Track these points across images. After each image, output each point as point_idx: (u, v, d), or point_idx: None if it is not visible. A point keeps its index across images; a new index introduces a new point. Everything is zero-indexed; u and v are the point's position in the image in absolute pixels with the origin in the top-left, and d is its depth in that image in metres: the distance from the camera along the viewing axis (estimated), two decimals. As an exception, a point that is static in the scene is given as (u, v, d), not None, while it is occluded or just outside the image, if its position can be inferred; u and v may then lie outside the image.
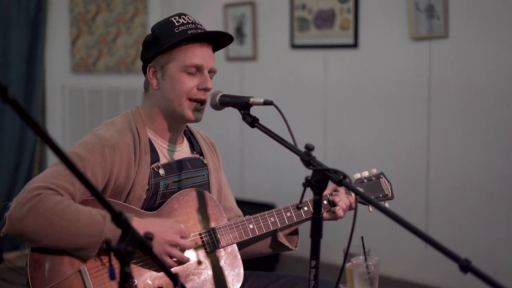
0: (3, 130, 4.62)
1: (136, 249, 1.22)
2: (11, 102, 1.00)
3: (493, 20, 3.83)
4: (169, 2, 5.58)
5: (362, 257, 2.01)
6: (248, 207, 4.22)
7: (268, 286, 2.11)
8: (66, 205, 1.77)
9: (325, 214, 2.09)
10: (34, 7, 4.71)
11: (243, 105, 1.85)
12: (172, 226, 1.87)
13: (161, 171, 1.99)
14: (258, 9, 4.99)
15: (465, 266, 1.28)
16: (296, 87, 4.79)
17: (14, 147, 4.70)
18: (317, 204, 1.52)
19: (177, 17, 2.01)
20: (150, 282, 1.87)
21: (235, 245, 2.02)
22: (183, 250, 1.90)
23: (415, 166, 4.19)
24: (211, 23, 5.03)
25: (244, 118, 1.83)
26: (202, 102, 2.00)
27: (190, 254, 1.94)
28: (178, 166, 2.05)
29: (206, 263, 1.97)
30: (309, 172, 1.54)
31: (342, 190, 2.09)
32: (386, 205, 2.15)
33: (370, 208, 2.12)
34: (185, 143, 2.15)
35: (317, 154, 1.57)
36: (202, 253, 1.97)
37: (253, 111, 1.86)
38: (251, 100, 1.83)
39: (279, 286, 2.09)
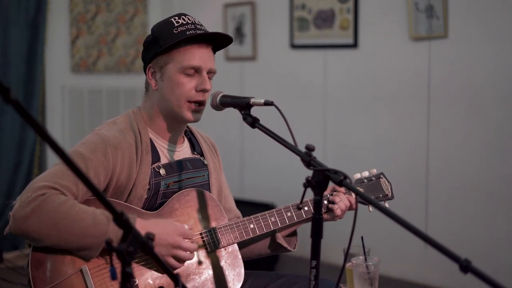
0: (3, 130, 4.62)
1: (137, 249, 1.22)
2: (13, 103, 1.00)
3: (492, 20, 3.83)
4: (169, 2, 5.58)
5: (362, 257, 2.01)
6: (248, 207, 4.22)
7: (268, 286, 2.11)
8: (70, 205, 1.78)
9: (324, 215, 2.09)
10: (34, 7, 4.72)
11: (243, 105, 1.85)
12: (176, 228, 1.88)
13: (162, 171, 2.00)
14: (258, 9, 4.99)
15: (465, 267, 1.28)
16: (296, 87, 4.79)
17: (14, 146, 4.70)
18: (317, 204, 1.52)
19: (177, 18, 2.00)
20: (151, 282, 1.88)
21: (235, 244, 2.03)
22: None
23: (414, 166, 4.19)
24: (211, 23, 5.03)
25: (245, 119, 1.83)
26: (200, 103, 2.00)
27: (191, 254, 1.95)
28: (179, 166, 2.05)
29: (207, 263, 1.97)
30: (308, 172, 1.54)
31: (342, 190, 2.10)
32: (386, 205, 2.15)
33: (370, 208, 2.12)
34: (186, 143, 2.15)
35: (316, 154, 1.57)
36: (202, 253, 1.97)
37: (253, 111, 1.86)
38: (252, 100, 1.83)
39: (279, 285, 2.10)
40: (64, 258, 1.81)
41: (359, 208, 1.63)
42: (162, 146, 2.05)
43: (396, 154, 4.28)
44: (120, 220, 1.20)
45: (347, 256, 1.64)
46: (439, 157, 4.10)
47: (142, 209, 1.96)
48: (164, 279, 1.89)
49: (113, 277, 1.27)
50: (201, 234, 1.99)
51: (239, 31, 5.08)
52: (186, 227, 1.91)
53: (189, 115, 1.99)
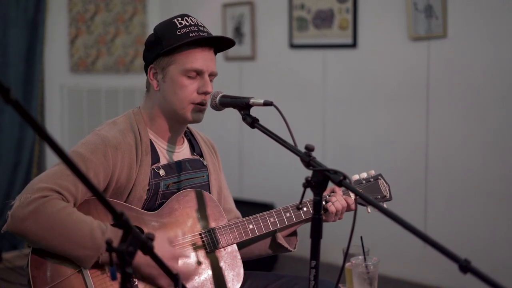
0: (2, 130, 4.62)
1: (137, 250, 1.22)
2: (13, 103, 1.00)
3: (491, 20, 3.83)
4: (168, 2, 5.58)
5: (361, 257, 2.01)
6: (247, 207, 4.23)
7: (268, 286, 2.11)
8: (69, 213, 1.77)
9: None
10: (33, 7, 4.71)
11: (243, 105, 1.85)
12: (172, 252, 1.86)
13: (162, 172, 2.00)
14: (257, 9, 4.99)
15: (465, 267, 1.28)
16: (295, 87, 4.79)
17: (13, 146, 4.70)
18: (317, 204, 1.52)
19: (179, 19, 2.00)
20: (151, 282, 1.88)
21: (235, 245, 2.03)
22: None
23: (413, 166, 4.20)
24: (210, 23, 5.03)
25: (244, 119, 1.83)
26: (202, 104, 2.01)
27: (190, 254, 1.95)
28: (178, 167, 2.05)
29: (206, 263, 1.97)
30: (308, 172, 1.54)
31: (339, 191, 2.10)
32: (385, 206, 2.15)
33: (369, 209, 2.12)
34: (186, 144, 2.15)
35: (315, 154, 1.57)
36: (202, 254, 1.97)
37: (253, 111, 1.86)
38: (251, 100, 1.83)
39: (278, 286, 2.10)
40: (64, 258, 1.81)
41: (359, 208, 1.63)
42: (161, 147, 2.05)
43: (395, 154, 4.28)
44: (120, 220, 1.20)
45: (347, 256, 1.64)
46: (438, 157, 4.10)
47: (142, 209, 1.96)
48: (163, 279, 1.89)
49: (113, 277, 1.27)
50: (200, 234, 1.99)
51: (238, 31, 5.08)
52: (181, 252, 1.90)
53: (192, 116, 1.99)
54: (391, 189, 2.22)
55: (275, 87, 4.90)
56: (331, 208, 2.06)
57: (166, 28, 1.99)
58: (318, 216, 1.53)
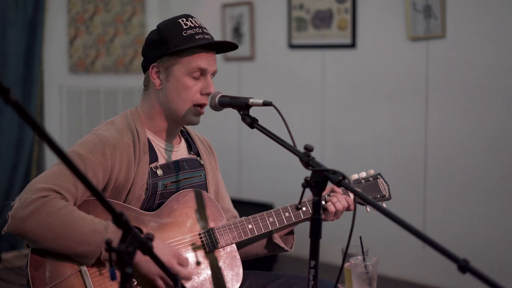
0: (1, 130, 4.62)
1: (136, 250, 1.23)
2: (13, 103, 1.01)
3: (490, 20, 3.84)
4: (167, 2, 5.58)
5: (360, 257, 2.02)
6: (246, 207, 4.23)
7: (267, 286, 2.11)
8: (69, 211, 1.79)
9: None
10: (32, 7, 4.71)
11: (242, 106, 1.85)
12: (172, 251, 1.87)
13: (159, 172, 2.01)
14: (256, 9, 4.99)
15: (464, 266, 1.28)
16: (294, 87, 4.80)
17: (12, 147, 4.70)
18: (316, 204, 1.53)
19: (184, 19, 2.01)
20: (149, 284, 1.88)
21: (234, 245, 2.03)
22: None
23: (412, 165, 4.20)
24: (209, 23, 5.03)
25: (243, 119, 1.84)
26: (202, 106, 2.02)
27: (189, 255, 1.95)
28: (176, 166, 2.06)
29: (205, 263, 1.97)
30: (307, 172, 1.54)
31: (339, 191, 2.10)
32: (384, 205, 2.16)
33: (368, 209, 2.12)
34: (183, 143, 2.16)
35: (314, 154, 1.57)
36: (201, 254, 1.98)
37: (252, 111, 1.86)
38: (250, 101, 1.84)
39: (277, 285, 2.10)
40: (64, 258, 1.82)
41: (358, 208, 1.63)
42: (159, 145, 2.06)
43: (394, 154, 4.29)
44: (120, 220, 1.21)
45: (346, 256, 1.64)
46: (437, 156, 4.10)
47: (141, 209, 1.97)
48: (163, 277, 1.89)
49: (113, 277, 1.27)
50: (199, 234, 1.99)
51: (237, 31, 5.08)
52: (184, 255, 1.91)
53: (192, 118, 2.01)
54: (390, 189, 2.23)
55: (274, 87, 4.90)
56: (331, 208, 2.06)
57: (172, 28, 1.99)
58: (318, 216, 1.53)
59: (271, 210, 2.08)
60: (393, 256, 4.28)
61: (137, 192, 1.95)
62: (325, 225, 1.75)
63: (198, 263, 1.96)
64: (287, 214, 2.07)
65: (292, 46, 4.78)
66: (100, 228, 1.78)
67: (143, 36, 5.28)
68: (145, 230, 1.92)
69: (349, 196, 2.11)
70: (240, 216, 2.24)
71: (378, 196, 2.18)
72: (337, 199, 2.07)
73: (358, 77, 4.46)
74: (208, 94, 2.00)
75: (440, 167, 4.09)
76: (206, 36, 1.99)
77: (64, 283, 1.80)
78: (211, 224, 2.02)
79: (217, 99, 1.94)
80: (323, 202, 2.08)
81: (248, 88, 5.01)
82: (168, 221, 1.97)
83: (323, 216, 2.07)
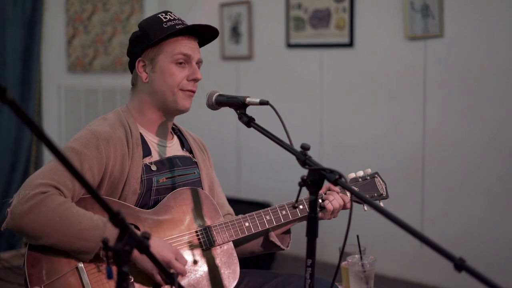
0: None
1: (133, 249, 1.23)
2: (10, 103, 1.01)
3: (488, 20, 3.84)
4: (165, 1, 5.58)
5: (357, 256, 2.02)
6: (244, 206, 4.23)
7: (264, 285, 2.12)
8: (68, 207, 1.80)
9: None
10: (30, 7, 4.71)
11: (239, 105, 1.86)
12: (170, 247, 1.88)
13: (153, 167, 2.03)
14: (254, 8, 5.00)
15: (460, 265, 1.28)
16: (292, 86, 4.80)
17: (10, 146, 4.70)
18: (312, 203, 1.53)
19: (164, 14, 2.08)
20: (147, 281, 1.88)
21: (231, 243, 2.04)
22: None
23: (410, 165, 4.20)
24: (207, 22, 5.00)
25: (240, 118, 1.84)
26: (191, 92, 2.05)
27: (186, 253, 1.96)
28: (169, 163, 2.08)
29: (202, 261, 1.98)
30: (304, 171, 1.55)
31: (336, 189, 2.11)
32: (381, 204, 2.16)
33: (365, 208, 2.13)
34: (175, 140, 2.18)
35: (312, 153, 1.58)
36: (198, 251, 1.98)
37: (249, 110, 1.87)
38: (247, 100, 1.85)
39: (275, 284, 2.10)
40: (61, 255, 1.83)
41: (355, 207, 1.64)
42: (152, 140, 2.08)
43: (392, 154, 4.29)
44: (116, 219, 1.21)
45: (343, 254, 1.64)
46: (435, 156, 4.11)
47: (137, 206, 1.97)
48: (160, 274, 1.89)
49: (109, 276, 1.27)
50: (196, 232, 2.00)
51: (235, 30, 5.08)
52: (181, 253, 1.91)
53: (182, 102, 2.03)
54: (388, 188, 2.23)
55: (272, 87, 4.90)
56: (329, 206, 2.06)
57: (152, 23, 2.05)
58: (314, 215, 1.53)
59: (268, 208, 2.09)
60: (390, 254, 4.28)
61: (133, 185, 1.96)
62: (322, 224, 1.76)
63: (195, 261, 1.97)
64: (284, 212, 2.08)
65: (290, 46, 4.78)
66: (99, 224, 1.79)
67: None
68: (142, 228, 1.92)
69: (346, 194, 2.12)
70: (237, 215, 2.24)
71: (376, 194, 2.19)
72: (334, 197, 2.08)
73: (356, 76, 4.46)
74: (195, 80, 2.04)
75: (438, 166, 4.09)
76: (188, 25, 2.04)
77: (61, 280, 1.81)
78: (208, 222, 2.03)
79: (214, 98, 1.94)
80: (319, 201, 2.09)
81: (246, 88, 5.01)
82: (165, 219, 1.97)
83: (320, 215, 2.09)
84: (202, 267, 1.97)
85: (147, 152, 2.03)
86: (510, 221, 3.82)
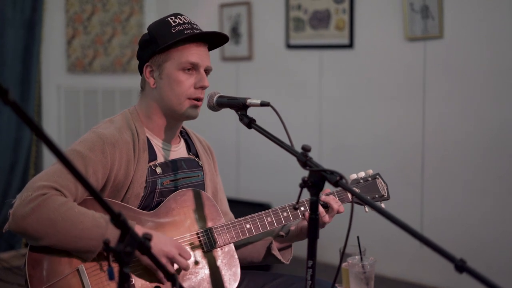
0: (-1, 130, 4.62)
1: (134, 250, 1.23)
2: (11, 104, 1.01)
3: (487, 21, 3.84)
4: (165, 2, 5.58)
5: (358, 257, 2.02)
6: (244, 207, 4.23)
7: (265, 286, 2.12)
8: (70, 207, 1.79)
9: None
10: (30, 7, 4.71)
11: (240, 106, 1.86)
12: (173, 242, 1.89)
13: (158, 170, 2.01)
14: (254, 9, 5.00)
15: (461, 266, 1.28)
16: (292, 87, 4.80)
17: (10, 146, 4.69)
18: (313, 204, 1.53)
19: (173, 17, 2.04)
20: (148, 282, 1.88)
21: (232, 244, 2.03)
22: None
23: (410, 165, 4.20)
24: (207, 23, 5.03)
25: (241, 119, 1.84)
26: (199, 100, 2.03)
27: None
28: (174, 165, 2.07)
29: (203, 262, 1.98)
30: (304, 172, 1.55)
31: (330, 200, 2.09)
32: (382, 205, 2.16)
33: (366, 209, 2.13)
34: (182, 143, 2.17)
35: (312, 154, 1.57)
36: (199, 253, 1.98)
37: (250, 111, 1.87)
38: (248, 101, 1.85)
39: (275, 285, 2.10)
40: (61, 257, 1.82)
41: (355, 208, 1.63)
42: (158, 145, 2.07)
43: (391, 154, 4.29)
44: (118, 220, 1.21)
45: (343, 255, 1.64)
46: (434, 156, 4.11)
47: (139, 207, 1.97)
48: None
49: (111, 277, 1.27)
50: (197, 234, 1.99)
51: (235, 31, 5.08)
52: (185, 247, 1.91)
53: (189, 111, 2.02)
54: (389, 189, 2.23)
55: (272, 88, 4.90)
56: (332, 203, 2.05)
57: (160, 27, 2.02)
58: (315, 216, 1.53)
59: (269, 210, 2.08)
60: (391, 255, 4.28)
61: (136, 190, 1.95)
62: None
63: (196, 263, 1.97)
64: (285, 213, 2.08)
65: (290, 46, 4.78)
66: (102, 222, 1.79)
67: (141, 36, 5.27)
68: (143, 230, 1.92)
69: (347, 195, 2.12)
70: (237, 216, 2.24)
71: (377, 196, 2.18)
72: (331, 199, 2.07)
73: (355, 77, 4.47)
74: (202, 88, 2.01)
75: (438, 167, 4.10)
76: (195, 31, 2.01)
77: (62, 282, 1.81)
78: (209, 224, 2.02)
79: (215, 99, 1.94)
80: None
81: (246, 88, 5.02)
82: (166, 221, 1.97)
83: (322, 215, 2.08)
84: (203, 269, 1.97)
85: (153, 156, 2.02)
86: (510, 221, 3.82)
